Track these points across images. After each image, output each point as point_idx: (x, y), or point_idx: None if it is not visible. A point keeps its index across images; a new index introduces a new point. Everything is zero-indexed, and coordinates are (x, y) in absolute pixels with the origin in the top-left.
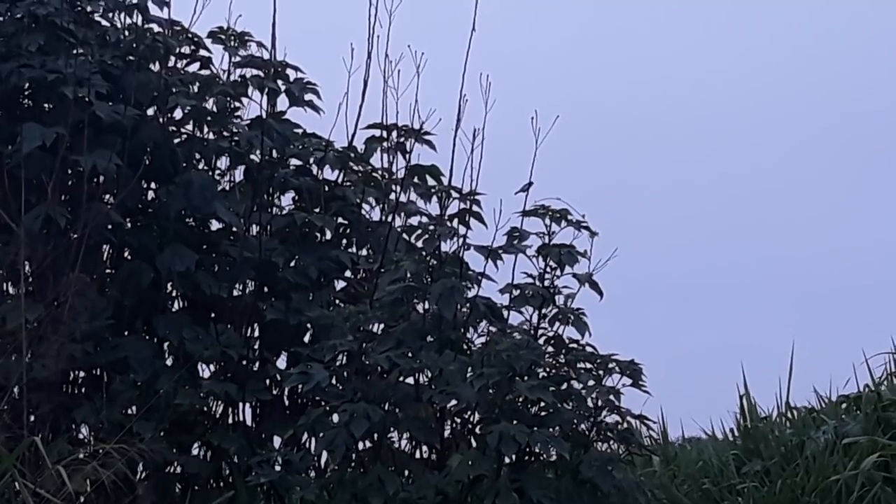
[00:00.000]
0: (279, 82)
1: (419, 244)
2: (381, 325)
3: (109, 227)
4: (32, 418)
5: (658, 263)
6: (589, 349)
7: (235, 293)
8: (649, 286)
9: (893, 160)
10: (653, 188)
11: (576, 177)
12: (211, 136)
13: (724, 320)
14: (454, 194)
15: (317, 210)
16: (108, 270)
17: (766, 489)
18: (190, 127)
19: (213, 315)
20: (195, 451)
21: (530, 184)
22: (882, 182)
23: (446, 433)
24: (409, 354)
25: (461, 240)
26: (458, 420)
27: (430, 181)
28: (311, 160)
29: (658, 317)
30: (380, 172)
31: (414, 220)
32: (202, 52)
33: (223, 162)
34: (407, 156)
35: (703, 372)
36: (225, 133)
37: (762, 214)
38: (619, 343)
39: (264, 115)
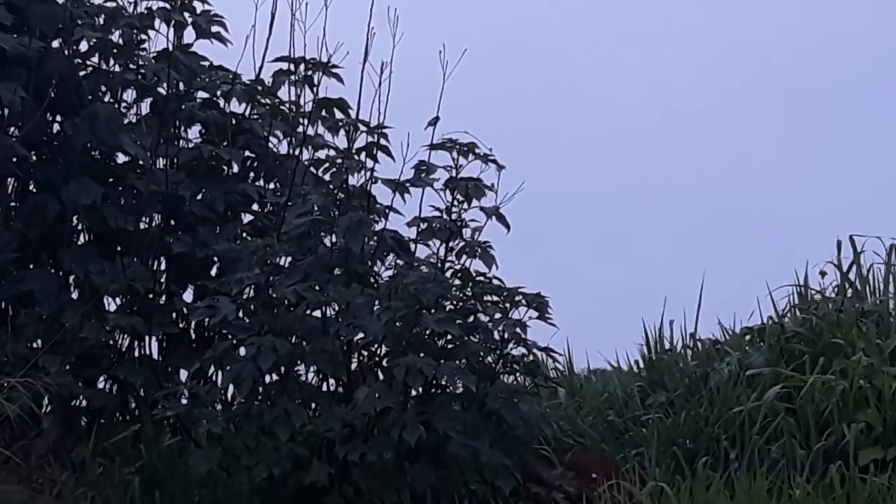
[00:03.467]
0: (185, 14)
1: (327, 177)
2: (288, 259)
3: (14, 160)
4: None
5: (569, 201)
6: (496, 282)
7: (142, 226)
8: (560, 221)
9: (798, 108)
10: (572, 128)
11: (487, 112)
12: (117, 68)
13: (633, 256)
14: (362, 128)
15: (224, 143)
16: (13, 204)
17: (670, 420)
18: (96, 59)
19: (119, 248)
20: (101, 385)
21: (437, 118)
22: (791, 125)
23: (353, 366)
24: (317, 288)
25: (369, 173)
26: (365, 353)
27: (338, 115)
28: (219, 93)
29: (566, 251)
30: (287, 106)
31: (321, 154)
32: None
33: (129, 95)
34: (315, 89)
35: (611, 305)
36: (131, 66)
37: (676, 157)
38: (526, 276)
39: (171, 48)
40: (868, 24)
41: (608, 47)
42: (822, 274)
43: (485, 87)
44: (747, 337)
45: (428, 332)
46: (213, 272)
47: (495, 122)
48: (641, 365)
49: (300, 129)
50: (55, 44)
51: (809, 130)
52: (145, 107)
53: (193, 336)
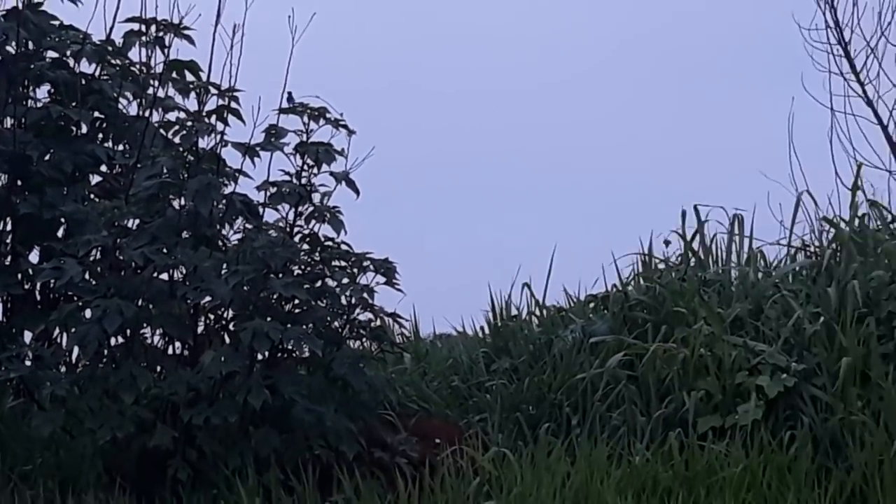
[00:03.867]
0: None
1: (176, 140)
2: (137, 221)
3: None
4: None
5: (425, 163)
6: (344, 247)
7: None
8: (413, 185)
9: (646, 80)
10: (445, 90)
11: (346, 73)
12: None
13: (482, 221)
14: (213, 90)
15: (73, 104)
16: None
17: (513, 386)
18: None
19: None
20: None
21: (290, 95)
22: (642, 96)
23: (200, 330)
24: (164, 251)
25: (219, 136)
26: (212, 316)
27: (189, 77)
28: (68, 53)
29: (415, 216)
30: (138, 67)
31: (172, 116)
32: None
33: None
34: (166, 51)
35: (458, 271)
36: None
37: (534, 124)
38: (374, 241)
39: (20, 6)
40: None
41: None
42: (666, 243)
43: (346, 46)
44: (591, 305)
45: (275, 296)
46: (60, 234)
47: (357, 82)
48: (487, 331)
49: (150, 90)
50: None
51: (659, 101)
52: None
53: (39, 298)
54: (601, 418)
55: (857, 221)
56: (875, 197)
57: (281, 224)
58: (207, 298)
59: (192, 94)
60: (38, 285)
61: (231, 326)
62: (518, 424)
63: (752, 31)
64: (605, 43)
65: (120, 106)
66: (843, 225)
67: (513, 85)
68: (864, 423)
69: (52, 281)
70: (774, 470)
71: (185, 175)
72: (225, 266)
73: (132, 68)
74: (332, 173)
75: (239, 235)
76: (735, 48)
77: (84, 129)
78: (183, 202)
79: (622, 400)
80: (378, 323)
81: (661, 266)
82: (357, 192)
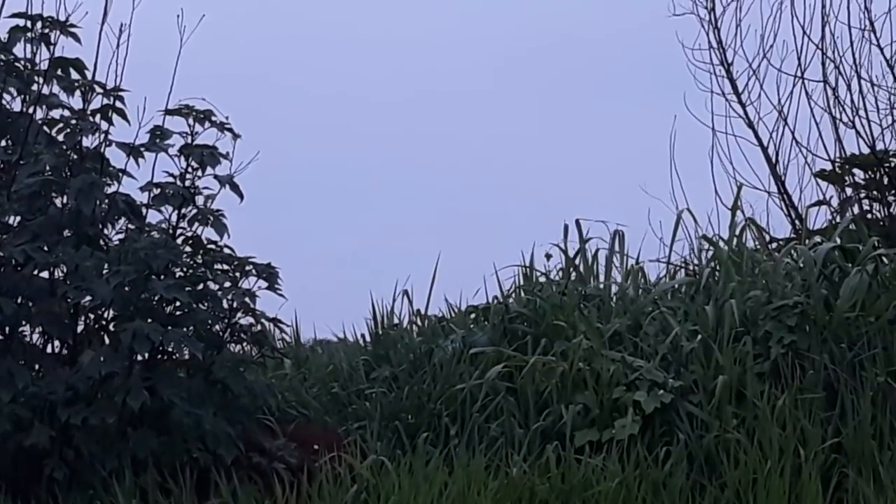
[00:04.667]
0: None
1: (60, 138)
2: (18, 218)
3: None
4: None
5: (311, 170)
6: (227, 251)
7: None
8: (299, 189)
9: (536, 94)
10: (332, 95)
11: (235, 76)
12: None
13: (367, 228)
14: (98, 89)
15: None
16: None
17: (393, 395)
18: None
19: None
20: None
21: (184, 105)
22: (530, 110)
23: (79, 329)
24: (46, 249)
25: (103, 135)
26: (93, 316)
27: (74, 75)
28: None
29: (301, 220)
30: (22, 63)
31: (56, 114)
32: None
33: None
34: (51, 48)
35: (342, 277)
36: None
37: (423, 135)
38: (258, 245)
39: None
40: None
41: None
42: (548, 256)
43: (236, 50)
44: (472, 315)
45: (156, 298)
46: None
47: (245, 85)
48: (368, 339)
49: (35, 87)
50: None
51: (546, 117)
52: None
53: None
54: (480, 429)
55: (735, 241)
56: (754, 217)
57: (164, 226)
58: (88, 298)
59: (77, 93)
60: None
61: (111, 327)
62: (397, 433)
63: (637, 50)
64: (493, 59)
65: (3, 102)
66: (721, 244)
67: (400, 93)
68: (739, 442)
69: None
70: (650, 485)
71: (69, 173)
72: (106, 266)
73: (16, 64)
74: (216, 176)
75: (121, 236)
76: (621, 66)
77: None
78: (65, 201)
79: (501, 411)
80: (259, 328)
81: (542, 279)
82: (241, 195)
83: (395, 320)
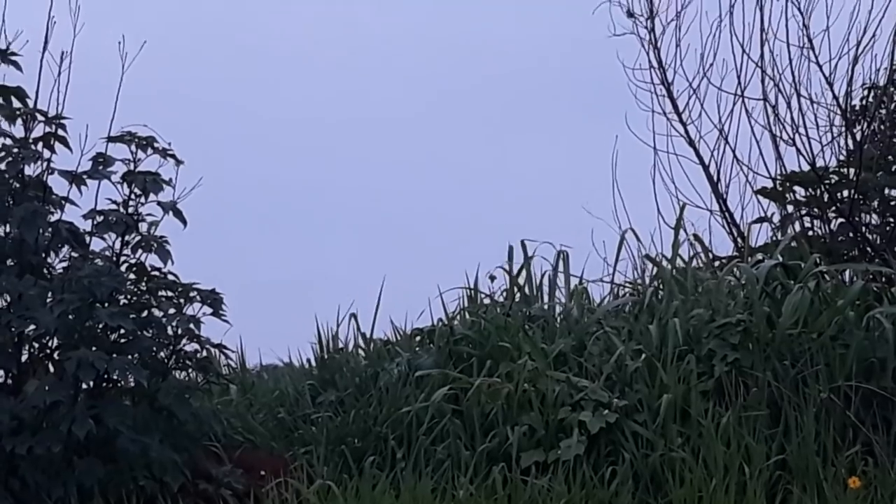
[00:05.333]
0: None
1: (2, 167)
2: None
3: None
4: None
5: (257, 192)
6: (171, 277)
7: None
8: (242, 214)
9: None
10: (276, 118)
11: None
12: None
13: (311, 252)
14: (40, 117)
15: None
16: None
17: (339, 419)
18: None
19: None
20: None
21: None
22: (474, 133)
23: (24, 358)
24: None
25: (45, 163)
26: (37, 345)
27: (16, 103)
28: None
29: (245, 245)
30: None
31: None
32: None
33: None
34: None
35: (286, 302)
36: None
37: (364, 158)
38: (202, 271)
39: None
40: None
41: (314, 42)
42: (492, 278)
43: (179, 75)
44: (418, 338)
45: (101, 325)
46: None
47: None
48: (313, 363)
49: None
50: None
51: (490, 140)
52: None
53: None
54: (426, 452)
55: (678, 260)
56: (698, 235)
57: (107, 253)
58: (32, 327)
59: (19, 121)
60: None
61: (56, 355)
62: (343, 457)
63: (579, 72)
64: (438, 83)
65: None
66: (665, 263)
67: (349, 115)
68: (684, 460)
69: None
70: None
71: (11, 202)
72: (50, 294)
73: None
74: (159, 203)
75: (65, 264)
76: (562, 89)
77: None
78: (8, 229)
79: (447, 434)
80: (204, 354)
81: (487, 301)
82: (184, 221)
83: (341, 344)
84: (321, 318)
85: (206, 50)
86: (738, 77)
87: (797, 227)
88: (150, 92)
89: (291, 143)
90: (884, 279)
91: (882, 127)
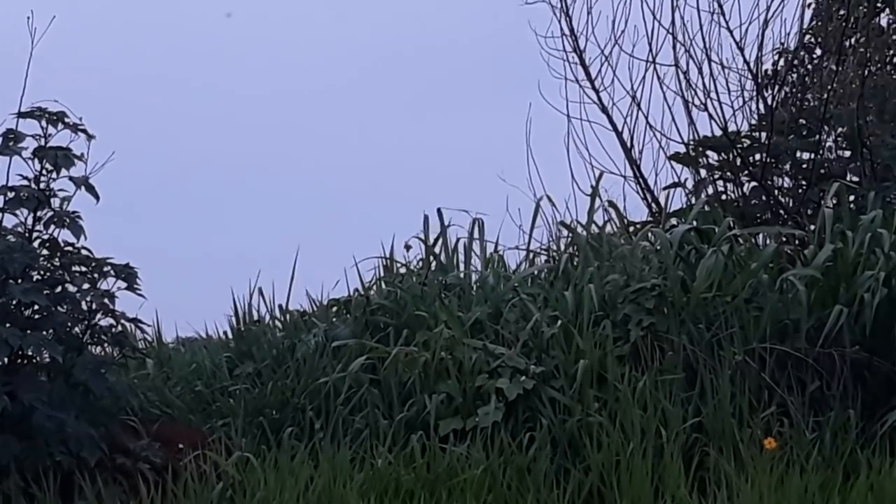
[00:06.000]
0: None
1: None
2: None
3: None
4: None
5: (168, 168)
6: (84, 252)
7: None
8: (155, 189)
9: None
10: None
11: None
12: None
13: (227, 225)
14: None
15: None
16: None
17: (257, 391)
18: None
19: None
20: None
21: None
22: (394, 104)
23: None
24: None
25: None
26: None
27: None
28: None
29: (161, 220)
30: None
31: None
32: None
33: None
34: None
35: (203, 275)
36: None
37: (280, 132)
38: (117, 246)
39: None
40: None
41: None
42: (407, 247)
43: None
44: (334, 308)
45: (14, 302)
46: None
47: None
48: (230, 336)
49: None
50: None
51: (405, 111)
52: None
53: None
54: (344, 422)
55: (593, 226)
56: (612, 201)
57: (20, 229)
58: None
59: None
60: None
61: None
62: (262, 429)
63: (493, 40)
64: (356, 57)
65: None
66: (580, 229)
67: (267, 88)
68: (601, 425)
69: None
70: (514, 471)
71: None
72: None
73: None
74: (71, 178)
75: None
76: (476, 58)
77: None
78: None
79: (365, 403)
80: (119, 328)
81: (403, 270)
82: (97, 196)
83: (257, 316)
84: (238, 291)
85: (126, 22)
86: (650, 43)
87: (710, 191)
88: (66, 65)
89: (209, 115)
90: (796, 241)
91: (793, 91)
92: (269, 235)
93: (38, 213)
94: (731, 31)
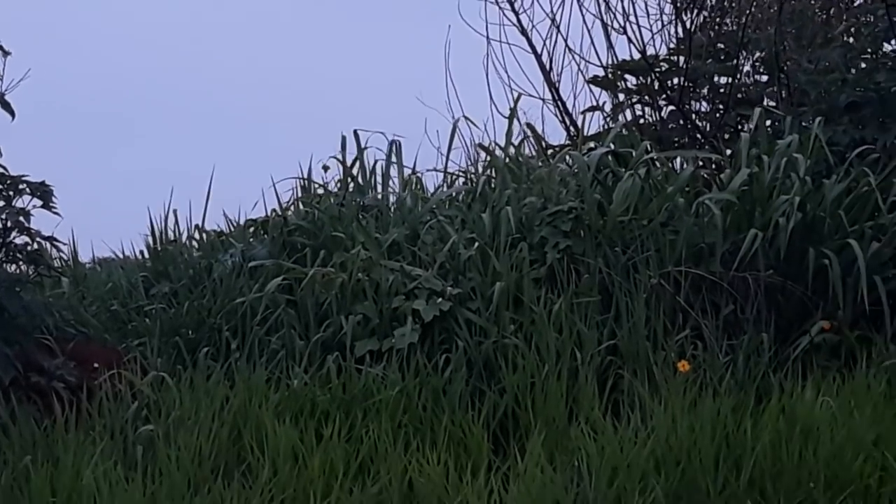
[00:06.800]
0: None
1: None
2: None
3: None
4: None
5: (89, 86)
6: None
7: None
8: (76, 108)
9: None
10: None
11: None
12: None
13: (142, 145)
14: None
15: None
16: None
17: (173, 311)
18: None
19: None
20: None
21: None
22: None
23: None
24: None
25: None
26: None
27: None
28: None
29: (81, 138)
30: None
31: None
32: None
33: None
34: None
35: (118, 194)
36: None
37: (206, 50)
38: (34, 165)
39: None
40: None
41: None
42: (325, 168)
43: None
44: (251, 229)
45: None
46: None
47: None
48: (146, 255)
49: None
50: None
51: (323, 32)
52: None
53: None
54: (260, 342)
55: (511, 149)
56: (531, 124)
57: None
58: None
59: None
60: None
61: None
62: (177, 349)
63: None
64: None
65: None
66: (498, 152)
67: (183, 14)
68: (517, 347)
69: None
70: (430, 392)
71: None
72: None
73: None
74: None
75: None
76: None
77: None
78: None
79: (281, 324)
80: (35, 246)
81: (321, 191)
82: (12, 113)
83: (174, 236)
84: (154, 211)
85: None
86: None
87: (628, 115)
88: None
89: (129, 38)
90: (713, 166)
91: (711, 15)
92: (187, 155)
93: None
94: None
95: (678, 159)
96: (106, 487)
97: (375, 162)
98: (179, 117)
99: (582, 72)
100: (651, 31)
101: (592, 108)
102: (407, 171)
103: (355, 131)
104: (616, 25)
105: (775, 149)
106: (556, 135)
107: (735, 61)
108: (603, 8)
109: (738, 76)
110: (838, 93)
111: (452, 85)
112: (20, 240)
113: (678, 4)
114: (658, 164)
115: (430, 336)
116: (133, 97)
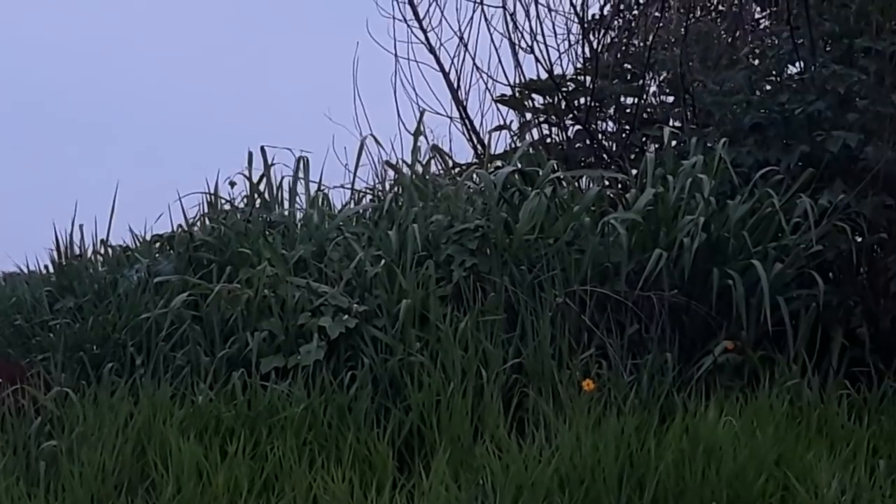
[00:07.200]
0: None
1: None
2: None
3: None
4: None
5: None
6: None
7: None
8: None
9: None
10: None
11: None
12: None
13: (47, 158)
14: None
15: None
16: None
17: (77, 326)
18: None
19: None
20: None
21: None
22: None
23: None
24: None
25: None
26: None
27: None
28: None
29: None
30: None
31: None
32: None
33: None
34: None
35: (22, 208)
36: None
37: (100, 60)
38: None
39: None
40: None
41: None
42: (232, 184)
43: None
44: (157, 244)
45: None
46: None
47: None
48: (51, 270)
49: None
50: None
51: (231, 48)
52: None
53: None
54: (165, 358)
55: (418, 166)
56: (437, 142)
57: None
58: None
59: None
60: None
61: None
62: (82, 364)
63: None
64: None
65: None
66: (405, 169)
67: (85, 20)
68: (423, 364)
69: None
70: (335, 409)
71: None
72: None
73: None
74: None
75: None
76: None
77: None
78: None
79: (186, 340)
80: None
81: (227, 207)
82: None
83: (79, 251)
84: (59, 225)
85: None
86: None
87: (535, 134)
88: None
89: (33, 42)
90: (619, 185)
91: (618, 35)
92: (91, 170)
93: None
94: None
95: (584, 178)
96: (8, 503)
97: (282, 178)
98: (87, 131)
99: (489, 90)
100: (558, 50)
101: (500, 127)
102: (314, 188)
103: (262, 147)
104: (524, 45)
105: (680, 169)
106: (463, 153)
107: (641, 82)
108: (511, 27)
109: (644, 97)
110: (743, 114)
111: (360, 102)
112: None
113: (585, 25)
114: (564, 183)
115: (336, 353)
116: (44, 112)
